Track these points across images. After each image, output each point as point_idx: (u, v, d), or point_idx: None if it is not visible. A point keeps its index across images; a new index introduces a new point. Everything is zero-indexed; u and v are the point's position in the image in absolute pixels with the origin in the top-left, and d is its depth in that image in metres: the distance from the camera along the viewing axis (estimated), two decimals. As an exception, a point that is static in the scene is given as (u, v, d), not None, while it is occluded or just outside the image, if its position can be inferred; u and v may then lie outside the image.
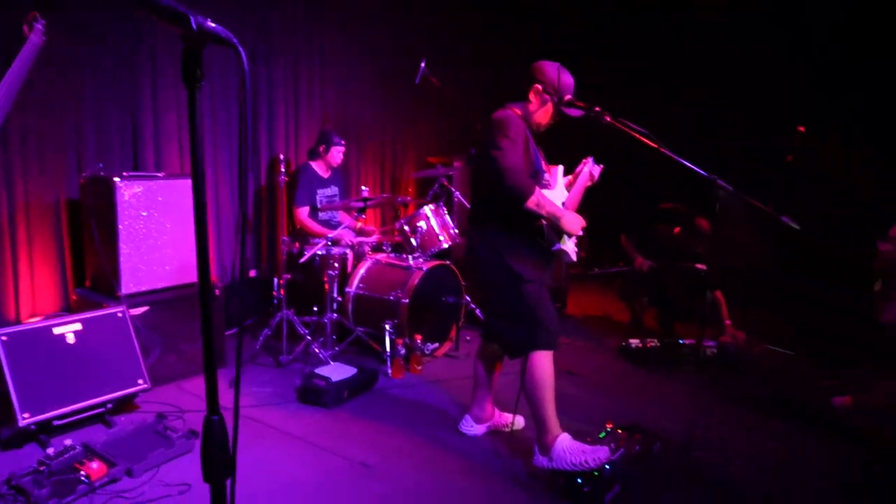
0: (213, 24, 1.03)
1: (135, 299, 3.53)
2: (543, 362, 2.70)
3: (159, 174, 3.71)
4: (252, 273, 5.03)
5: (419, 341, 3.99)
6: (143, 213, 3.56)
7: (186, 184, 3.75)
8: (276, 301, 4.05)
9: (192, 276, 3.80)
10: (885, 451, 2.97)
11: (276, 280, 4.04)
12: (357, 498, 2.59)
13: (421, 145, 6.42)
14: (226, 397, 3.49)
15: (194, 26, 1.00)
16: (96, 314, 3.23)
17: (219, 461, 1.18)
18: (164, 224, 3.65)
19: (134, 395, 3.24)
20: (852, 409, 2.89)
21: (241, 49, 1.06)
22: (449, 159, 5.23)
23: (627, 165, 6.80)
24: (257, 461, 2.85)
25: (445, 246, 4.36)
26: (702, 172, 2.47)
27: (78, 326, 3.11)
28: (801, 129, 4.51)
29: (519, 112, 2.73)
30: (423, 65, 4.47)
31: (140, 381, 3.24)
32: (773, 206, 2.84)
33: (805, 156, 4.45)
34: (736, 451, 3.05)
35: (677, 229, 4.76)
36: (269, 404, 3.47)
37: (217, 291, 3.89)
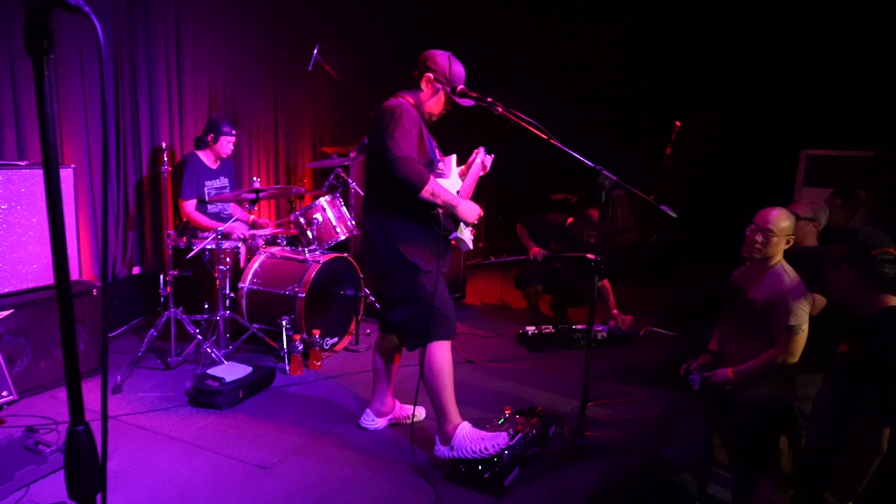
0: None
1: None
2: (442, 352, 2.71)
3: (21, 163, 3.38)
4: (136, 270, 4.71)
5: (317, 336, 3.90)
6: (3, 206, 3.22)
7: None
8: (162, 299, 3.80)
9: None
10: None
11: (161, 277, 3.79)
12: (254, 500, 2.49)
13: (315, 135, 6.26)
14: (111, 405, 3.27)
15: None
16: (-51, 320, 2.90)
17: (85, 475, 1.07)
18: (29, 218, 3.33)
19: (-2, 407, 2.95)
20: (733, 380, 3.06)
21: (93, 17, 0.95)
22: (345, 149, 5.13)
23: (518, 156, 7.05)
24: (145, 471, 2.68)
25: (343, 238, 4.28)
26: (587, 162, 2.57)
27: (-73, 335, 2.78)
28: (678, 123, 4.82)
29: (411, 100, 2.70)
30: (315, 51, 4.34)
31: (4, 393, 2.94)
32: (654, 195, 3.01)
33: (681, 148, 4.76)
34: (626, 424, 3.22)
35: (570, 219, 4.94)
36: (158, 409, 3.27)
37: (94, 291, 3.61)
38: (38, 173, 3.36)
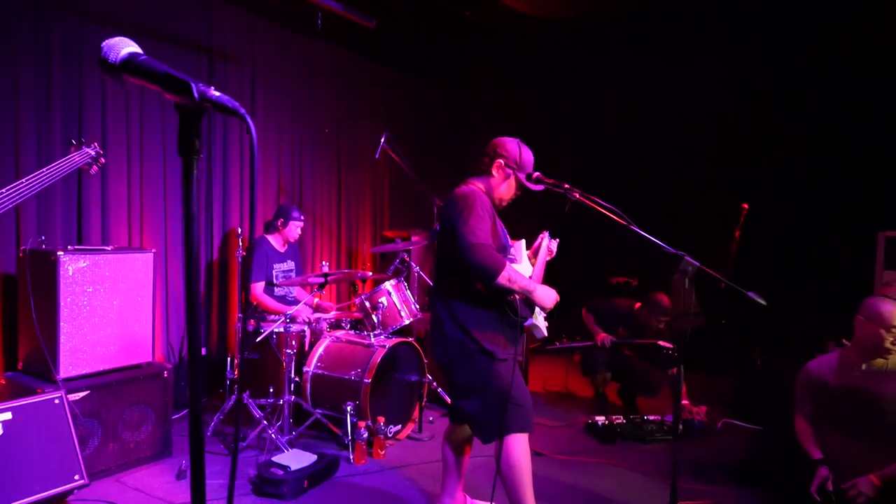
0: (217, 93, 0.95)
1: (74, 383, 3.25)
2: (520, 445, 2.58)
3: (107, 247, 3.52)
4: (202, 352, 4.76)
5: (382, 423, 3.81)
6: (88, 289, 3.34)
7: (136, 258, 3.57)
8: (228, 382, 3.81)
9: (137, 357, 3.56)
10: None
11: (229, 359, 3.81)
12: None
13: (377, 220, 6.40)
14: (175, 492, 3.22)
15: (196, 95, 0.92)
16: (29, 401, 2.93)
17: None
18: (110, 301, 3.43)
19: (69, 492, 2.92)
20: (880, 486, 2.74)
21: (248, 119, 0.98)
22: (407, 233, 5.21)
23: (571, 238, 7.02)
24: (209, 565, 2.58)
25: (407, 322, 4.25)
26: (669, 249, 2.50)
27: (8, 416, 2.82)
28: (745, 206, 4.72)
29: (482, 187, 2.72)
30: (382, 140, 4.49)
31: (76, 477, 2.93)
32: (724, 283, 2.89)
33: (747, 230, 4.63)
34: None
35: (638, 304, 4.80)
36: (221, 498, 3.19)
37: (165, 373, 3.64)
38: (123, 258, 3.49)
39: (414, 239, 5.02)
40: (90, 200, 3.92)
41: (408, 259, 4.58)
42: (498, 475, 2.59)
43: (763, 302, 2.62)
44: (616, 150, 7.19)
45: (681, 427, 4.29)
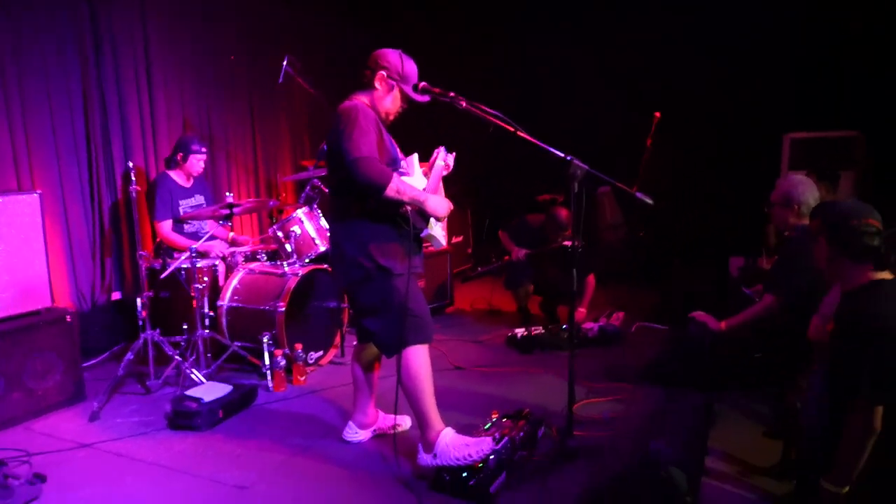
0: None
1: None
2: (419, 356, 2.62)
3: (-15, 191, 3.31)
4: (116, 295, 4.62)
5: (300, 351, 3.81)
6: (-32, 237, 3.15)
7: (19, 200, 3.37)
8: (140, 322, 3.72)
9: (34, 303, 3.42)
10: None
11: (138, 300, 3.71)
12: (230, 523, 2.40)
13: (296, 150, 6.20)
14: (88, 433, 3.17)
15: None
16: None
17: None
18: (-6, 247, 3.25)
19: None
20: None
21: None
22: (318, 158, 5.06)
23: (501, 159, 7.01)
24: (119, 499, 2.58)
25: (322, 249, 4.19)
26: (557, 153, 2.50)
27: None
28: (657, 114, 4.76)
29: (367, 101, 2.64)
30: (284, 63, 4.29)
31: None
32: (637, 188, 2.94)
33: (660, 139, 4.70)
34: (616, 422, 3.13)
35: (542, 217, 4.90)
36: (136, 435, 3.17)
37: (68, 318, 3.52)
38: (4, 201, 3.29)
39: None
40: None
41: (320, 186, 4.47)
42: (399, 386, 2.64)
43: (650, 201, 2.68)
44: (545, 78, 7.10)
45: (596, 332, 4.45)
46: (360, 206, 2.59)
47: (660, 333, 4.67)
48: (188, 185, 4.38)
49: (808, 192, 2.88)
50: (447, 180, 2.94)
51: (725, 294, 4.89)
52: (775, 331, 3.01)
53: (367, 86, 2.67)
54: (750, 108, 5.86)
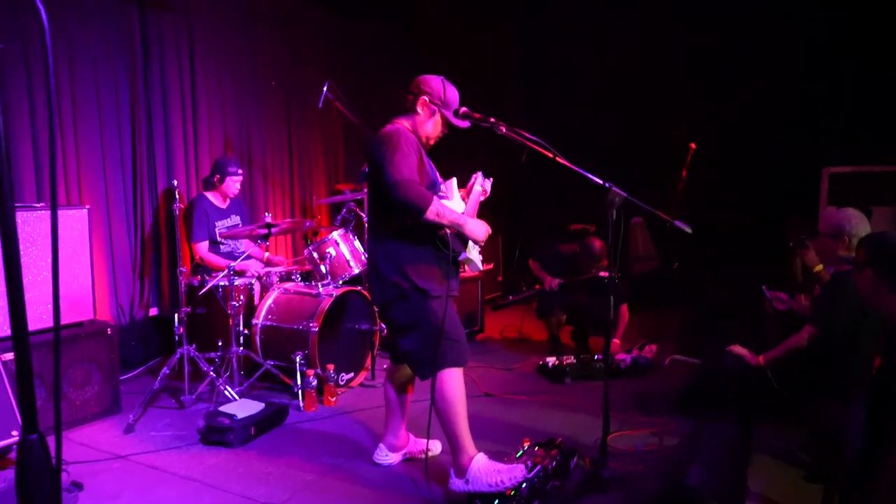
0: None
1: (7, 343, 3.20)
2: (453, 379, 2.62)
3: (37, 204, 3.43)
4: (153, 311, 4.72)
5: (332, 371, 3.83)
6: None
7: (69, 215, 3.49)
8: (176, 338, 3.79)
9: (78, 315, 3.52)
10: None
11: (175, 315, 3.78)
12: (261, 540, 2.40)
13: (330, 173, 6.31)
14: (123, 445, 3.22)
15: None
16: (-38, 361, 2.90)
17: (35, 485, 1.00)
18: (43, 259, 3.35)
19: (8, 448, 2.91)
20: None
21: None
22: (359, 180, 5.15)
23: (529, 190, 7.03)
24: (150, 511, 2.61)
25: (356, 271, 4.24)
26: (596, 179, 2.51)
27: (-61, 376, 2.78)
28: (693, 145, 4.75)
29: (408, 125, 2.70)
30: (325, 88, 4.40)
31: (14, 433, 2.91)
32: (671, 220, 2.93)
33: (696, 170, 4.69)
34: (650, 455, 3.07)
35: (578, 247, 4.89)
36: (169, 448, 3.21)
37: (109, 331, 3.60)
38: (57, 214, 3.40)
39: (365, 190, 4.97)
40: (20, 155, 3.79)
41: (356, 209, 4.54)
42: (433, 409, 2.63)
43: (689, 230, 2.67)
44: (569, 95, 7.14)
45: (629, 363, 4.39)
46: (400, 227, 2.62)
47: (693, 367, 4.58)
48: (224, 205, 4.48)
49: (862, 225, 2.85)
50: (483, 206, 2.97)
51: (760, 327, 4.81)
52: (812, 364, 2.95)
53: (410, 110, 2.73)
54: (790, 139, 5.82)
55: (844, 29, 5.38)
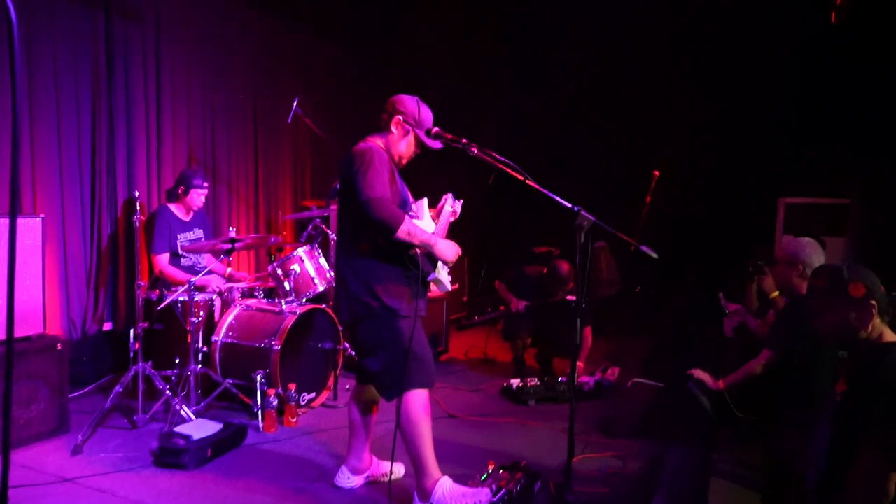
0: None
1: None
2: (420, 401, 2.58)
3: (-12, 214, 3.29)
4: (107, 326, 4.55)
5: (293, 391, 3.74)
6: (-34, 258, 3.11)
7: (22, 224, 3.35)
8: (132, 354, 3.65)
9: (26, 329, 3.36)
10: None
11: (131, 331, 3.65)
12: (216, 568, 2.30)
13: (297, 188, 6.24)
14: (69, 467, 3.07)
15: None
16: None
17: None
18: (-8, 270, 3.21)
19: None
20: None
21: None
22: (325, 201, 5.11)
23: (497, 211, 7.09)
24: (98, 537, 2.48)
25: (321, 289, 4.18)
26: (565, 203, 2.53)
27: None
28: (657, 172, 4.87)
29: (381, 143, 2.69)
30: (294, 104, 4.36)
31: (-48, 453, 2.75)
32: (634, 245, 2.97)
33: (661, 199, 4.80)
34: (614, 478, 3.07)
35: (544, 269, 4.93)
36: (119, 471, 3.07)
37: (59, 346, 3.45)
38: (3, 223, 3.26)
39: (332, 207, 4.92)
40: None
41: (322, 226, 4.48)
42: (398, 431, 2.59)
43: (654, 255, 2.71)
44: (543, 121, 7.25)
45: (592, 386, 4.42)
46: (370, 245, 2.60)
47: (655, 390, 4.63)
48: (187, 218, 4.38)
49: (815, 255, 2.94)
50: (451, 226, 2.97)
51: (720, 350, 4.90)
52: (769, 388, 3.01)
53: (384, 129, 2.73)
54: (747, 172, 6.02)
55: (800, 74, 5.62)
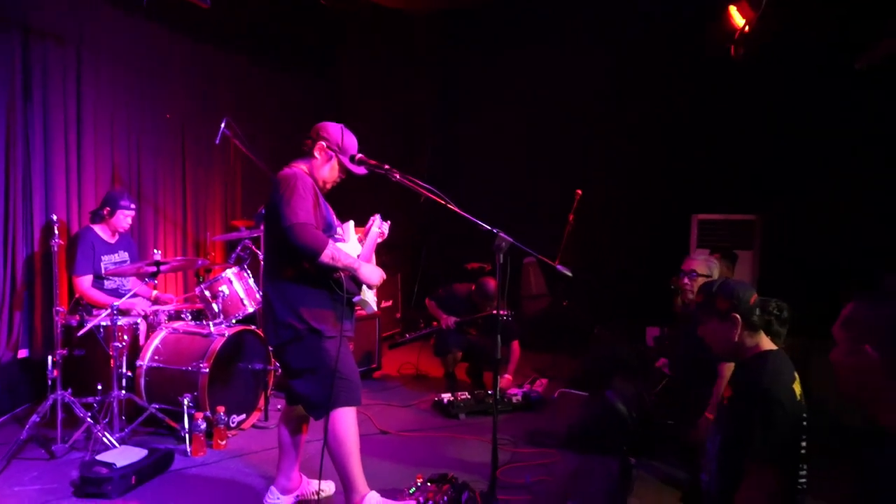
0: None
1: None
2: (346, 419, 2.64)
3: None
4: (23, 353, 4.37)
5: (222, 413, 3.71)
6: None
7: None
8: (50, 382, 3.53)
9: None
10: None
11: (49, 358, 3.54)
12: None
13: (227, 210, 6.18)
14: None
15: None
16: None
17: None
18: None
19: None
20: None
21: None
22: (256, 222, 5.09)
23: (429, 229, 7.23)
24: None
25: (250, 310, 4.16)
26: (484, 226, 2.66)
27: None
28: (579, 192, 5.11)
29: (305, 168, 2.76)
30: (223, 125, 4.36)
31: None
32: (559, 261, 3.15)
33: (581, 214, 5.05)
34: (538, 486, 3.20)
35: (473, 286, 5.08)
36: (39, 504, 2.98)
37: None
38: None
39: (262, 227, 4.91)
40: None
41: (252, 247, 4.48)
42: (325, 449, 2.64)
43: (570, 274, 2.87)
44: (475, 144, 7.46)
45: (520, 398, 4.57)
46: (295, 269, 2.65)
47: (581, 400, 4.83)
48: (112, 240, 4.29)
49: (714, 267, 3.22)
50: (381, 246, 3.06)
51: (644, 362, 5.16)
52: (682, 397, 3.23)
53: (307, 154, 2.79)
54: (664, 188, 6.39)
55: (711, 100, 6.03)
